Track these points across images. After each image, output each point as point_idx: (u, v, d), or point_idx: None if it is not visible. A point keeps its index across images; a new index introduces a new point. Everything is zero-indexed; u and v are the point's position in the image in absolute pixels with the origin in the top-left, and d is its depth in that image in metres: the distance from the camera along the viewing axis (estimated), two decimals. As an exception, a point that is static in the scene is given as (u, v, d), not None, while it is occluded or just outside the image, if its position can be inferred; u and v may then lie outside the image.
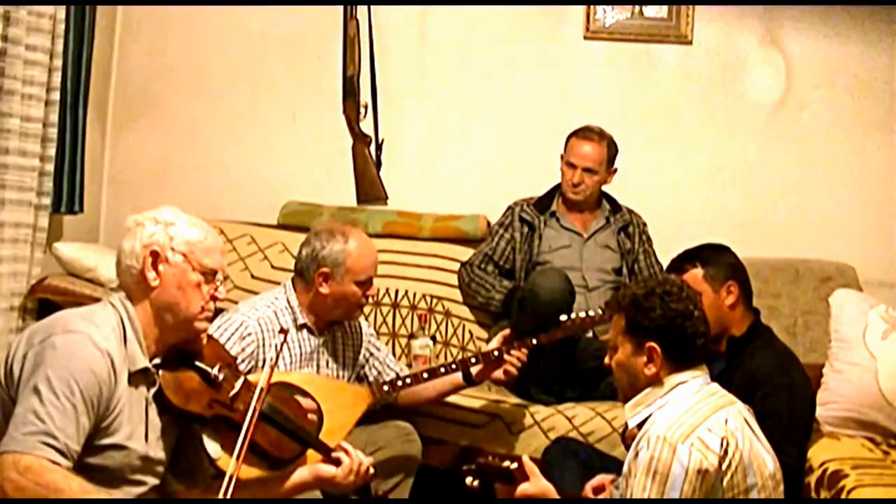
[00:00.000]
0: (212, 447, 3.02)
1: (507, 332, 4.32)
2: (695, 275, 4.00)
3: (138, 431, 2.87)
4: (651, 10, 5.84)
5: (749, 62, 5.86)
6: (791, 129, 5.84)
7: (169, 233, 2.94)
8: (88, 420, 2.70)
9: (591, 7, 5.85)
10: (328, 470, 3.16)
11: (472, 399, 4.65)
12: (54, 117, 4.99)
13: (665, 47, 5.87)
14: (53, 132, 5.00)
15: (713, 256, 4.08)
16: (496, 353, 4.17)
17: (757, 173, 5.86)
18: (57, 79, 4.98)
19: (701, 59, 5.86)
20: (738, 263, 4.11)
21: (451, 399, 4.52)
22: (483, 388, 4.79)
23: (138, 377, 2.87)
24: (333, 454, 3.18)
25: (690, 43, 5.84)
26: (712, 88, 5.88)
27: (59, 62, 4.97)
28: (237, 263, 5.41)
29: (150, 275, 2.90)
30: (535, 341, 4.24)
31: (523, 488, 3.26)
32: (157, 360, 2.96)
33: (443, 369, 4.16)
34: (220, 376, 3.02)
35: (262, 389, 2.97)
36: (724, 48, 5.86)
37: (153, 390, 2.93)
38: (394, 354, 5.17)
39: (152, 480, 2.95)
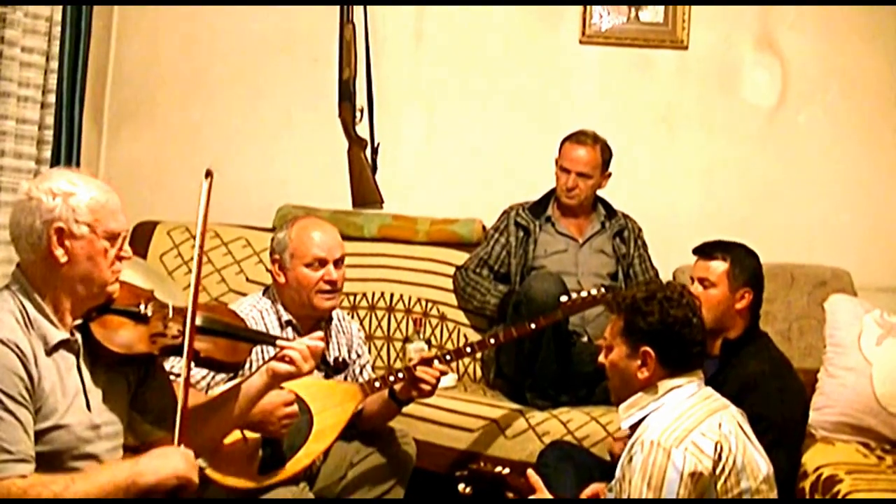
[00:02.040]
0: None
1: (426, 351, 4.36)
2: (719, 266, 4.04)
3: (77, 403, 2.80)
4: (647, 15, 5.84)
5: (745, 66, 5.86)
6: (787, 134, 5.83)
7: (70, 204, 2.79)
8: (29, 412, 2.65)
9: (587, 11, 5.84)
10: (282, 367, 3.10)
11: (466, 403, 4.66)
12: (50, 120, 4.98)
13: (661, 52, 5.87)
14: (49, 135, 4.98)
15: (743, 257, 4.10)
16: (400, 373, 4.00)
17: (752, 177, 5.86)
18: (53, 81, 4.97)
19: (697, 63, 5.86)
20: (761, 275, 4.12)
21: (445, 403, 4.53)
22: (478, 392, 4.81)
23: (60, 350, 2.79)
24: (280, 353, 3.12)
25: (686, 47, 5.83)
26: (708, 92, 5.88)
27: (55, 64, 4.96)
28: (232, 266, 5.41)
29: (58, 252, 2.76)
30: (533, 325, 4.24)
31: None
32: (77, 323, 2.86)
33: (436, 361, 4.02)
34: (149, 311, 2.96)
35: (194, 292, 2.93)
36: (720, 52, 5.86)
37: (81, 356, 2.85)
38: (389, 358, 5.21)
39: (108, 443, 2.88)
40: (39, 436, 2.71)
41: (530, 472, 3.35)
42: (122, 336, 2.91)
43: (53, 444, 2.74)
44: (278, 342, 3.20)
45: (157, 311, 3.00)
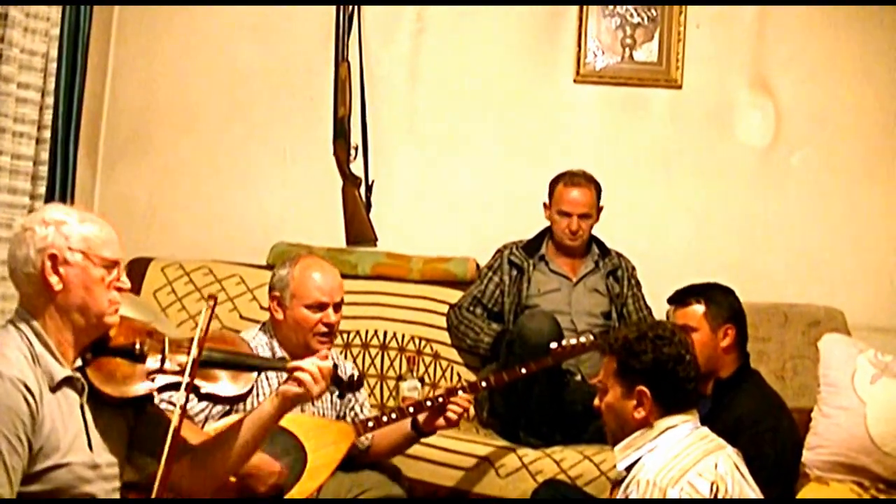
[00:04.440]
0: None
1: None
2: (696, 311, 4.05)
3: (79, 442, 2.78)
4: (641, 54, 5.87)
5: (739, 106, 5.88)
6: (780, 174, 5.85)
7: (63, 232, 2.80)
8: (19, 457, 2.63)
9: (582, 50, 5.86)
10: (293, 388, 3.04)
11: (459, 441, 4.64)
12: (45, 155, 4.98)
13: (655, 91, 5.90)
14: (44, 170, 4.98)
15: (718, 296, 4.11)
16: (433, 401, 4.08)
17: (746, 217, 5.87)
18: (48, 117, 4.98)
19: (691, 102, 5.88)
20: (740, 309, 4.14)
21: (439, 442, 4.50)
22: (471, 430, 4.79)
23: (63, 388, 2.78)
24: (293, 374, 3.07)
25: (680, 87, 5.86)
26: (702, 132, 5.90)
27: (50, 100, 4.97)
28: (226, 303, 5.39)
29: (53, 279, 2.77)
30: (523, 370, 4.24)
31: None
32: (78, 364, 2.86)
33: (429, 402, 4.07)
34: (144, 347, 2.94)
35: (200, 337, 2.89)
36: (714, 92, 5.89)
37: (84, 396, 2.83)
38: (382, 396, 5.19)
39: (108, 485, 2.86)
40: (39, 475, 2.69)
41: None
42: (119, 379, 2.89)
43: (53, 483, 2.72)
44: (287, 364, 3.17)
45: (154, 347, 2.98)
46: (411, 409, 4.09)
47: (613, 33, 5.89)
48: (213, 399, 3.09)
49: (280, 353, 3.98)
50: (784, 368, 5.23)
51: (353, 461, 4.07)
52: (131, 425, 3.01)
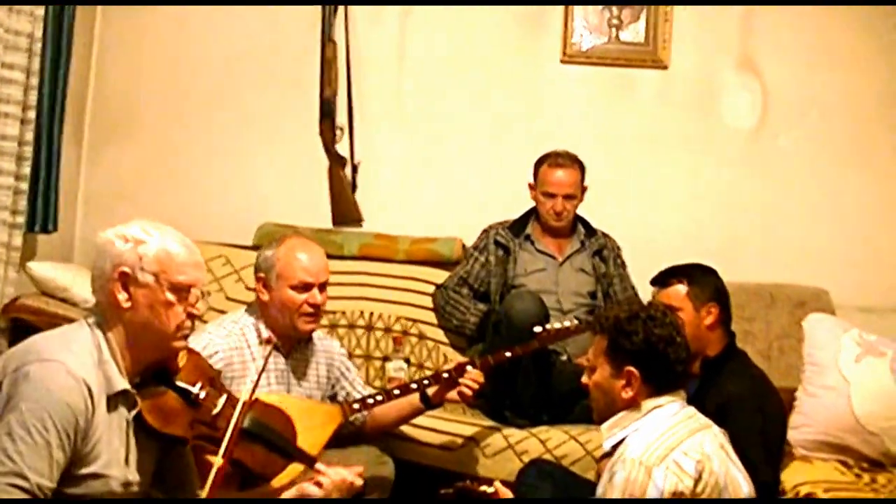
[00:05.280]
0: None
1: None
2: (679, 290, 4.06)
3: (118, 456, 2.81)
4: (628, 35, 5.86)
5: (726, 88, 5.89)
6: (767, 155, 5.86)
7: (139, 252, 2.83)
8: (64, 454, 2.64)
9: (568, 31, 5.86)
10: (313, 490, 3.11)
11: (445, 422, 4.64)
12: (30, 136, 4.98)
13: (642, 72, 5.90)
14: (29, 151, 4.98)
15: (699, 276, 4.12)
16: (446, 374, 4.17)
17: (732, 198, 5.88)
18: (33, 97, 4.97)
19: (678, 83, 5.89)
20: (722, 287, 4.15)
21: (425, 422, 4.51)
22: (457, 411, 4.79)
23: (117, 399, 2.80)
24: (316, 478, 3.13)
25: (667, 68, 5.86)
26: (689, 113, 5.91)
27: (35, 80, 4.97)
28: (212, 284, 5.36)
29: (122, 296, 2.81)
30: (508, 354, 4.26)
31: None
32: (136, 380, 2.89)
33: (414, 385, 4.15)
34: (202, 395, 2.98)
35: (243, 404, 2.93)
36: (701, 73, 5.89)
37: (133, 412, 2.85)
38: (368, 377, 5.19)
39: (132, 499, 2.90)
40: (78, 479, 2.72)
41: (497, 483, 3.37)
42: (164, 411, 2.92)
43: (86, 490, 2.75)
44: (316, 465, 3.19)
45: (210, 397, 3.01)
46: (396, 392, 4.14)
47: (600, 14, 5.88)
48: (240, 468, 3.08)
49: (265, 333, 3.98)
50: (770, 348, 5.25)
51: (349, 438, 4.12)
52: (159, 458, 3.04)
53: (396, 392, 4.14)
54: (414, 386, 4.15)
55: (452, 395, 4.18)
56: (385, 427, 4.33)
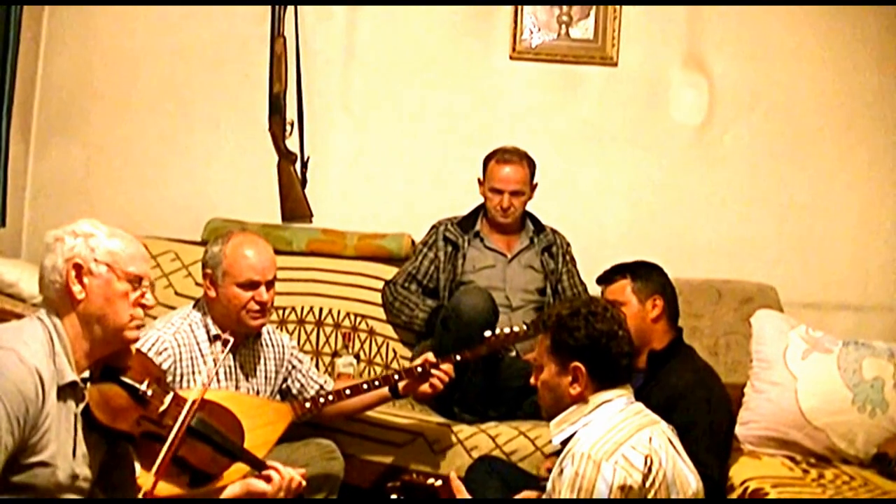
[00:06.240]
0: (139, 465, 2.99)
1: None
2: (623, 285, 4.11)
3: (66, 448, 2.80)
4: (577, 32, 5.88)
5: (673, 85, 5.92)
6: (713, 151, 5.90)
7: (90, 244, 2.87)
8: (12, 439, 2.63)
9: (518, 27, 5.87)
10: (259, 485, 3.09)
11: (395, 417, 4.65)
12: (-24, 130, 4.95)
13: (590, 68, 5.91)
14: (-25, 145, 4.95)
15: (643, 271, 4.18)
16: (419, 368, 4.20)
17: (680, 194, 5.92)
18: (-22, 92, 4.94)
19: (625, 80, 5.91)
20: (667, 282, 4.20)
21: (375, 417, 4.53)
22: (406, 407, 4.80)
23: (67, 392, 2.80)
24: (264, 472, 3.13)
25: (616, 64, 5.88)
26: (636, 110, 5.93)
27: (-19, 74, 4.94)
28: (161, 280, 5.34)
29: (76, 288, 2.83)
30: (458, 357, 4.27)
31: None
32: (85, 375, 2.89)
33: (365, 385, 4.17)
34: (149, 392, 2.97)
35: (193, 402, 2.95)
36: (649, 70, 5.91)
37: (82, 405, 2.85)
38: (318, 372, 5.18)
39: (76, 497, 2.86)
40: (24, 467, 2.71)
41: (452, 475, 3.38)
42: (112, 406, 2.92)
43: (32, 480, 2.73)
44: (268, 463, 3.17)
45: (157, 395, 3.01)
46: (347, 392, 4.16)
47: (549, 10, 5.89)
48: (184, 466, 3.06)
49: (214, 330, 3.97)
50: (717, 344, 5.28)
51: (307, 422, 4.18)
52: (104, 453, 3.01)
53: (348, 392, 4.14)
54: (365, 387, 4.17)
55: (424, 388, 4.22)
56: (346, 413, 4.35)
